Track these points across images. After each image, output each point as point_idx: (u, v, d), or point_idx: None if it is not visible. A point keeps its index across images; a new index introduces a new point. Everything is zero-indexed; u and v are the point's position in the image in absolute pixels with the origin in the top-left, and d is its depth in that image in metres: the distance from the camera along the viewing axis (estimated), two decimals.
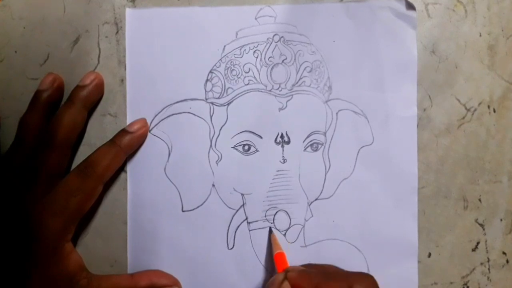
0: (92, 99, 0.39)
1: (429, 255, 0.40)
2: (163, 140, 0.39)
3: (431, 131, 0.40)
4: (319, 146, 0.40)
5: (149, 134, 0.39)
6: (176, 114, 0.39)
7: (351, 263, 0.39)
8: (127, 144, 0.38)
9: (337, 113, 0.40)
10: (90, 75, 0.39)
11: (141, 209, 0.39)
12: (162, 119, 0.39)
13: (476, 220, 0.40)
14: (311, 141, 0.39)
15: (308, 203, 0.39)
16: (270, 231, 0.39)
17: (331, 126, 0.40)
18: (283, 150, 0.39)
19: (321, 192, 0.39)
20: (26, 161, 0.36)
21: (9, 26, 0.40)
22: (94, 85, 0.38)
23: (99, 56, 0.40)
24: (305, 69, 0.39)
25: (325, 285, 0.33)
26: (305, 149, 0.39)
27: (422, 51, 0.40)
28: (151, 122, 0.39)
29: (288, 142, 0.39)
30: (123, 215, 0.39)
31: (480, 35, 0.40)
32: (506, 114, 0.41)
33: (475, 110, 0.40)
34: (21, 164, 0.36)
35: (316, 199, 0.39)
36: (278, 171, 0.39)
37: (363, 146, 0.40)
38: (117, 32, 0.40)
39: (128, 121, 0.39)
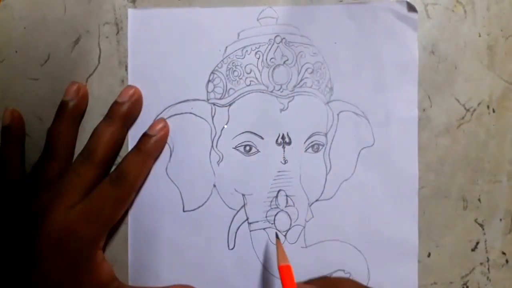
0: (132, 116, 0.38)
1: (429, 255, 0.40)
2: None
3: (430, 131, 0.40)
4: (320, 147, 0.40)
5: None
6: (177, 114, 0.39)
7: (351, 264, 0.39)
8: (153, 148, 0.38)
9: (338, 114, 0.40)
10: (128, 91, 0.38)
11: (142, 209, 0.39)
12: None
13: (475, 220, 0.41)
14: (312, 142, 0.39)
15: (308, 204, 0.39)
16: (277, 236, 0.38)
17: (332, 127, 0.40)
18: (284, 151, 0.39)
19: (321, 193, 0.39)
20: (59, 174, 0.36)
21: (10, 26, 0.39)
22: (133, 101, 0.38)
23: (99, 57, 0.40)
24: (306, 70, 0.39)
25: None
26: (306, 150, 0.39)
27: (421, 51, 0.40)
28: None
29: (289, 143, 0.39)
30: (123, 215, 0.39)
31: (480, 36, 0.41)
32: (506, 114, 0.41)
33: (474, 110, 0.41)
34: (54, 176, 0.36)
35: (316, 200, 0.39)
36: (279, 172, 0.39)
37: (364, 148, 0.40)
38: (117, 32, 0.40)
39: None
